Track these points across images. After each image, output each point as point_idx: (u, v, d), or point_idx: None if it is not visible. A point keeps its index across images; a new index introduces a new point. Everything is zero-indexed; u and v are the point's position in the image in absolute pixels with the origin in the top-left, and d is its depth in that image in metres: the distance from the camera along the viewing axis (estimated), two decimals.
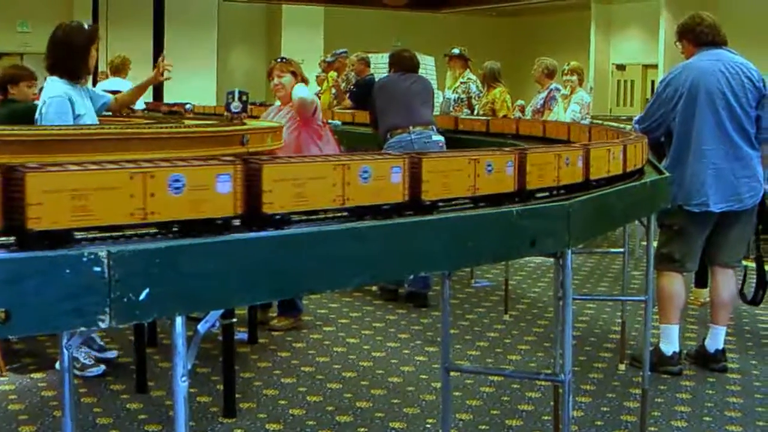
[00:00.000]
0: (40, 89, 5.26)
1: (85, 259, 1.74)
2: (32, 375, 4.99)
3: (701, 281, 6.85)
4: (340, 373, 5.18)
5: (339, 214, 2.30)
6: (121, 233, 1.94)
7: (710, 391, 4.97)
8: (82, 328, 1.85)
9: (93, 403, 4.59)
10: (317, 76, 13.87)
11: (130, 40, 14.64)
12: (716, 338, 5.34)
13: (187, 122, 5.29)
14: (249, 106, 5.75)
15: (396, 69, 7.15)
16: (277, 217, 2.11)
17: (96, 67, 5.68)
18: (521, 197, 2.82)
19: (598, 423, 4.48)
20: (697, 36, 5.25)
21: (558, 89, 8.95)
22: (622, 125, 7.60)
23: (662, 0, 19.37)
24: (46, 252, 1.77)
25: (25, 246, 1.78)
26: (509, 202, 2.76)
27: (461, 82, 9.68)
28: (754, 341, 6.04)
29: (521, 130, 6.38)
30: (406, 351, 5.66)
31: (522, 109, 10.45)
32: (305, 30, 22.47)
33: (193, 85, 18.50)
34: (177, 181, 1.93)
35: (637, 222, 5.82)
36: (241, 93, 5.04)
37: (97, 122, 4.92)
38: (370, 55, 11.07)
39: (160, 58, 5.36)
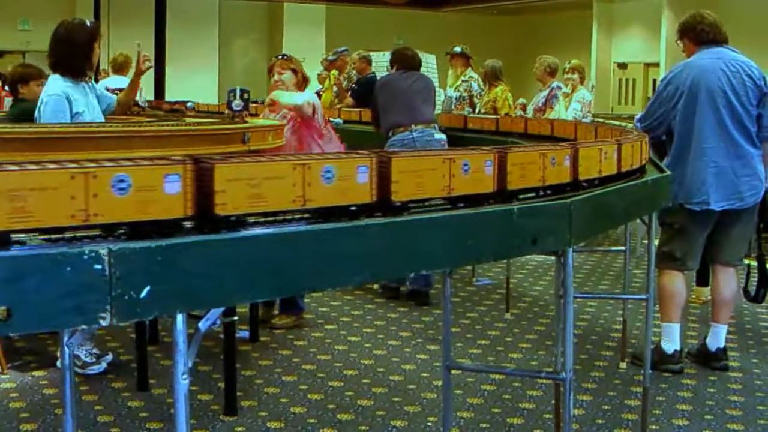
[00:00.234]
0: None
1: (85, 256, 1.74)
2: (33, 373, 4.99)
3: (703, 280, 6.85)
4: (341, 372, 5.18)
5: (300, 216, 2.23)
6: (60, 236, 1.88)
7: (711, 390, 4.98)
8: (83, 326, 1.85)
9: (94, 400, 4.60)
10: (319, 75, 13.86)
11: (131, 38, 14.61)
12: (717, 337, 5.34)
13: (188, 120, 5.30)
14: (250, 104, 5.75)
15: (398, 67, 7.14)
16: (232, 218, 2.04)
17: (97, 65, 5.69)
18: (502, 198, 2.75)
19: (600, 421, 4.48)
20: (698, 34, 5.25)
21: (559, 87, 8.95)
22: (623, 124, 7.60)
23: None
24: (47, 249, 1.77)
25: None
26: (488, 204, 2.70)
27: (463, 81, 9.68)
28: (755, 339, 6.04)
29: (530, 129, 6.36)
30: (408, 349, 5.66)
31: (523, 108, 10.45)
32: (307, 28, 22.46)
33: (195, 83, 18.52)
34: (121, 181, 1.87)
35: (638, 220, 5.82)
36: (242, 91, 5.04)
37: (102, 120, 4.93)
38: (371, 53, 11.06)
39: (138, 52, 5.37)
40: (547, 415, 4.47)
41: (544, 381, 4.84)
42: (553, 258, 3.36)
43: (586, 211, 3.04)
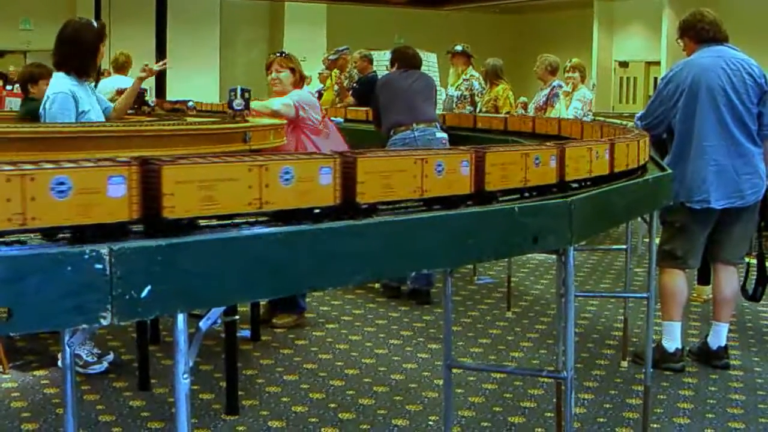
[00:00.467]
0: None
1: (86, 256, 1.74)
2: (35, 372, 4.99)
3: (704, 278, 6.85)
4: (342, 371, 5.18)
5: (258, 219, 2.17)
6: (2, 239, 1.82)
7: (712, 388, 4.97)
8: (84, 326, 1.85)
9: (95, 400, 4.60)
10: (320, 74, 13.84)
11: (132, 38, 14.65)
12: (719, 335, 5.33)
13: (189, 119, 5.30)
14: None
15: (398, 66, 7.14)
16: (184, 221, 1.98)
17: (99, 66, 5.69)
18: (480, 200, 2.68)
19: (601, 420, 4.48)
20: (698, 33, 5.25)
21: (561, 86, 8.95)
22: (624, 122, 7.59)
23: None
24: (48, 249, 1.77)
25: None
26: (465, 205, 2.63)
27: (464, 79, 9.68)
28: (756, 338, 6.04)
29: (537, 129, 6.35)
30: (409, 348, 5.66)
31: (525, 106, 10.46)
32: (308, 27, 22.47)
33: (196, 82, 18.53)
34: (61, 184, 1.80)
35: (639, 219, 5.82)
36: (243, 90, 5.04)
37: (103, 119, 4.93)
38: (372, 52, 11.05)
39: (146, 65, 5.39)
40: (549, 414, 4.47)
41: (546, 380, 4.84)
42: (554, 257, 3.37)
43: (587, 209, 3.03)
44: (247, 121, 4.97)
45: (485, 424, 4.41)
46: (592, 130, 5.21)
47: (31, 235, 1.85)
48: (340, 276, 2.25)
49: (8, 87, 12.98)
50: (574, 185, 3.16)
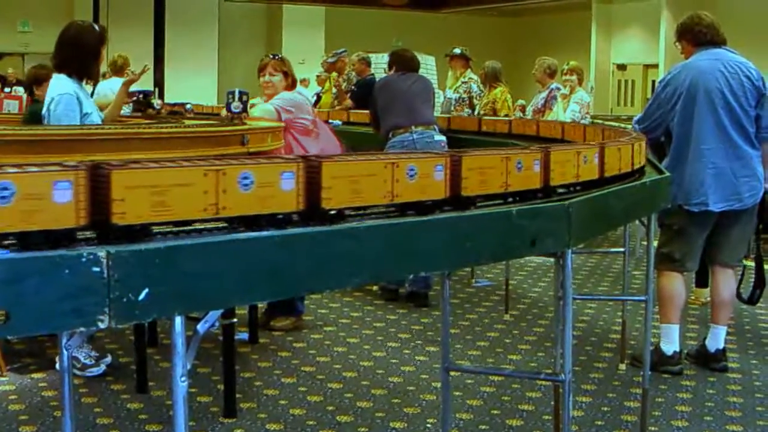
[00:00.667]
0: None
1: (84, 259, 1.74)
2: (32, 375, 4.99)
3: (702, 281, 6.85)
4: (340, 373, 5.18)
5: (215, 225, 2.12)
6: None
7: (711, 391, 4.97)
8: (82, 329, 1.84)
9: (93, 403, 4.59)
10: (318, 76, 13.85)
11: (130, 40, 14.65)
12: (717, 338, 5.34)
13: (187, 122, 5.30)
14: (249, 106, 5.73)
15: (396, 69, 7.14)
16: (136, 227, 1.92)
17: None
18: (455, 205, 2.61)
19: (599, 423, 4.48)
20: (695, 36, 5.25)
21: (559, 89, 8.95)
22: (622, 125, 7.60)
23: (663, 0, 19.38)
24: (46, 252, 1.77)
25: None
26: (440, 210, 2.57)
27: (462, 82, 9.69)
28: (754, 341, 6.04)
29: (542, 132, 6.34)
30: (407, 351, 5.66)
31: (523, 109, 10.45)
32: (306, 30, 22.50)
33: (194, 84, 18.55)
34: (5, 189, 1.75)
35: (637, 222, 5.82)
36: (241, 93, 5.04)
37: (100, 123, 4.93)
38: (370, 54, 11.07)
39: (132, 71, 5.38)
40: (547, 417, 4.47)
41: (544, 382, 4.84)
42: (552, 259, 3.37)
43: (585, 212, 3.03)
44: (244, 124, 4.97)
45: (483, 426, 4.41)
46: (594, 133, 5.20)
47: None
48: (338, 278, 2.25)
49: (6, 89, 13.00)
50: (561, 190, 3.10)
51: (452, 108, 9.60)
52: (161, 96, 12.40)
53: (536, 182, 2.93)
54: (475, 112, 9.35)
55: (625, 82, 23.92)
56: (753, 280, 5.78)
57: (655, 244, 5.03)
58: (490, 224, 2.64)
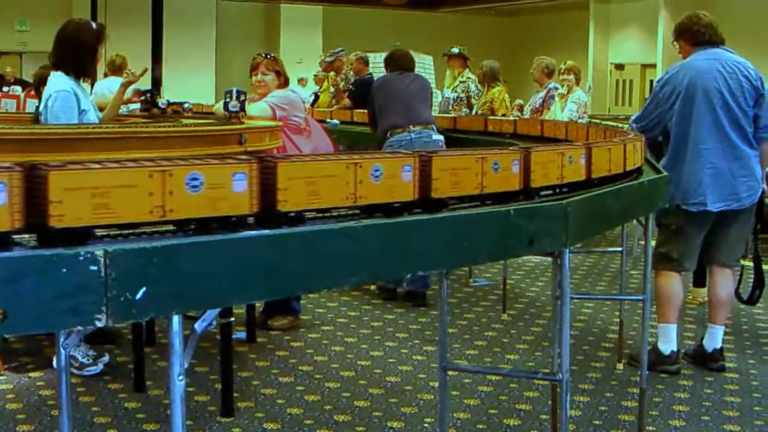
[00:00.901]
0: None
1: (81, 258, 1.74)
2: (30, 374, 4.98)
3: (699, 281, 6.85)
4: (338, 373, 5.18)
5: (161, 229, 2.05)
6: None
7: (708, 391, 4.98)
8: (79, 327, 1.84)
9: (91, 402, 4.59)
10: (315, 75, 13.83)
11: (128, 39, 14.64)
12: (714, 337, 5.34)
13: (185, 121, 5.29)
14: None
15: (391, 69, 7.15)
16: (76, 230, 1.85)
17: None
18: (425, 207, 2.53)
19: (596, 422, 4.48)
20: (694, 35, 5.25)
21: (556, 88, 8.95)
22: (620, 125, 7.60)
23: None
24: (43, 251, 1.77)
25: None
26: (408, 212, 2.49)
27: (460, 81, 9.69)
28: (752, 341, 6.04)
29: (546, 132, 6.33)
30: (404, 350, 5.66)
31: (520, 109, 10.45)
32: (304, 29, 22.51)
33: (192, 84, 18.54)
34: None
35: (635, 221, 5.81)
36: (239, 92, 5.03)
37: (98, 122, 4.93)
38: (368, 54, 11.06)
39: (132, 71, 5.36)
40: (544, 416, 4.47)
41: (541, 382, 4.84)
42: (549, 259, 3.37)
43: (583, 212, 3.03)
44: (242, 123, 4.97)
45: (480, 426, 4.41)
46: (596, 134, 5.18)
47: None
48: (335, 278, 2.25)
49: (4, 89, 12.99)
50: (545, 192, 3.03)
51: (450, 107, 9.60)
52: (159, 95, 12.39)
53: (515, 184, 2.85)
54: (473, 112, 9.34)
55: (623, 81, 23.95)
56: (752, 280, 5.78)
57: (653, 243, 5.03)
58: (487, 224, 2.63)
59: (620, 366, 5.37)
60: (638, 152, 3.92)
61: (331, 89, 11.27)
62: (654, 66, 20.48)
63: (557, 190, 3.11)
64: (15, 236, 1.83)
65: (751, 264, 5.79)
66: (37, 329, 1.79)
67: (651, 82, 21.56)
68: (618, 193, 3.49)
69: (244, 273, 2.00)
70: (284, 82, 5.99)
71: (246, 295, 2.15)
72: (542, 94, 9.12)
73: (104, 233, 1.96)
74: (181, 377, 2.03)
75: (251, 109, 5.59)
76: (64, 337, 2.77)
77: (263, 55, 6.10)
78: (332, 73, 11.37)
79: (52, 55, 4.89)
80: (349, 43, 12.63)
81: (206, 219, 2.05)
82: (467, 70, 9.79)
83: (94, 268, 1.75)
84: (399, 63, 7.14)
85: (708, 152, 5.09)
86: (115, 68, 10.61)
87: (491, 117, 8.25)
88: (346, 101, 10.30)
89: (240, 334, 5.65)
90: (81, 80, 4.86)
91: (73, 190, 1.83)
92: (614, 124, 8.03)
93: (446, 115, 8.84)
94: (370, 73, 10.42)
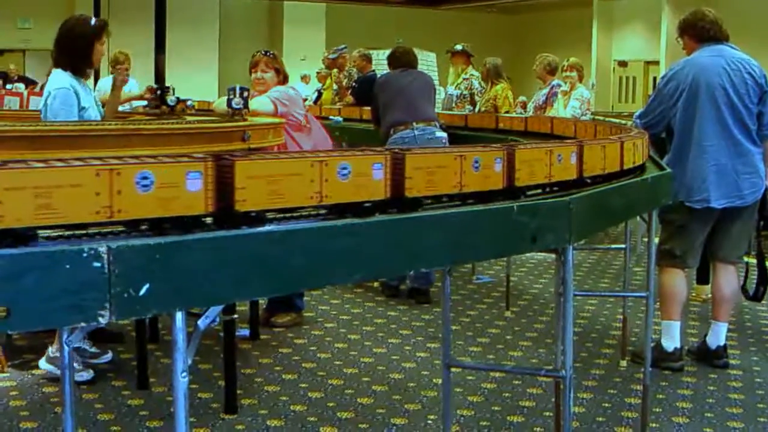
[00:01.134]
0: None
1: (85, 254, 1.74)
2: (33, 371, 4.98)
3: (703, 277, 6.85)
4: (341, 370, 5.18)
5: (108, 229, 1.97)
6: None
7: (711, 387, 4.97)
8: (83, 324, 1.84)
9: (94, 399, 4.60)
10: (318, 73, 13.82)
11: (131, 36, 14.64)
12: (718, 334, 5.33)
13: (188, 118, 5.29)
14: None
15: (395, 66, 7.15)
16: (18, 231, 1.79)
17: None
18: (398, 207, 2.45)
19: (600, 419, 4.47)
20: (698, 32, 5.24)
21: (560, 85, 8.95)
22: (623, 122, 7.58)
23: None
24: (47, 247, 1.77)
25: None
26: (380, 212, 2.41)
27: (464, 78, 9.68)
28: (755, 337, 6.04)
29: (555, 130, 6.33)
30: (408, 347, 5.66)
31: (524, 106, 10.45)
32: (307, 26, 22.50)
33: (195, 81, 18.52)
34: None
35: (638, 218, 5.82)
36: (242, 89, 5.02)
37: (99, 119, 4.93)
38: (371, 51, 11.06)
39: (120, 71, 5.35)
40: (547, 413, 4.47)
41: (544, 379, 4.84)
42: (553, 256, 3.36)
43: (586, 208, 3.03)
44: (246, 120, 4.97)
45: (484, 423, 4.41)
46: (603, 131, 5.17)
47: None
48: (338, 275, 2.25)
49: (8, 86, 13.00)
50: (533, 191, 2.97)
51: (453, 104, 9.59)
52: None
53: (498, 182, 2.78)
54: (476, 109, 9.34)
55: (626, 78, 23.92)
56: (756, 277, 5.78)
57: (657, 240, 5.02)
58: (490, 220, 2.63)
59: (623, 363, 5.36)
60: (639, 150, 3.89)
61: (335, 86, 11.27)
62: (657, 63, 20.44)
63: (546, 190, 3.04)
64: None
65: (755, 261, 5.79)
66: (40, 326, 1.79)
67: (654, 79, 21.54)
68: (621, 189, 3.49)
69: (247, 270, 2.00)
70: (284, 80, 5.99)
71: (249, 291, 2.15)
72: (545, 91, 9.12)
73: (47, 234, 1.89)
74: (184, 374, 2.03)
75: (252, 103, 5.59)
76: (67, 333, 2.77)
77: (263, 52, 6.09)
78: (335, 71, 11.37)
79: (53, 52, 4.90)
80: (352, 40, 12.63)
81: (159, 219, 1.98)
82: (470, 67, 9.79)
83: (98, 264, 1.75)
84: (402, 60, 7.15)
85: (712, 149, 5.08)
86: (118, 65, 10.61)
87: (502, 114, 8.25)
88: (349, 98, 10.30)
89: (243, 331, 5.65)
90: (82, 77, 4.86)
91: (13, 189, 1.77)
92: (617, 120, 8.00)
93: (458, 112, 8.85)
94: (373, 70, 10.41)
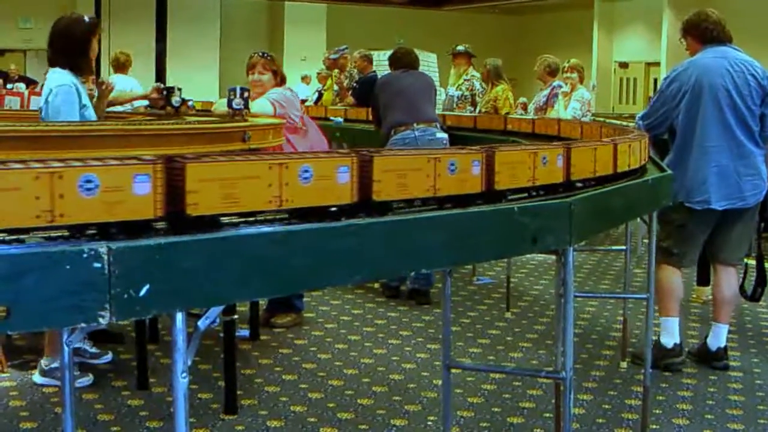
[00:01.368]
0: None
1: (85, 255, 1.74)
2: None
3: (703, 279, 6.85)
4: (341, 370, 5.18)
5: (51, 235, 1.91)
6: None
7: (712, 389, 4.97)
8: (83, 324, 1.84)
9: (94, 399, 4.59)
10: (319, 73, 13.80)
11: (132, 36, 14.67)
12: (718, 336, 5.33)
13: (188, 119, 5.29)
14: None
15: (396, 67, 7.15)
16: None
17: (98, 63, 5.66)
18: (366, 210, 2.37)
19: (600, 420, 4.47)
20: (702, 33, 5.24)
21: (560, 86, 8.95)
22: (624, 123, 7.58)
23: None
24: (47, 247, 1.77)
25: None
26: (347, 216, 2.33)
27: (465, 79, 9.69)
28: (756, 339, 6.04)
29: (562, 132, 6.32)
30: (408, 348, 5.65)
31: (524, 107, 10.45)
32: (307, 27, 22.51)
33: (196, 81, 18.52)
34: None
35: (639, 219, 5.81)
36: (242, 89, 5.03)
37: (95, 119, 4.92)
38: (372, 52, 11.05)
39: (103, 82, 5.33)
40: (548, 415, 4.47)
41: (545, 380, 4.84)
42: (553, 257, 3.36)
43: (587, 210, 3.02)
44: (246, 120, 4.97)
45: (484, 424, 4.40)
46: (608, 133, 5.15)
47: None
48: (339, 276, 2.25)
49: (8, 86, 12.99)
50: (517, 195, 2.91)
51: (454, 105, 9.60)
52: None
53: (476, 186, 2.70)
54: (477, 110, 9.34)
55: (627, 80, 23.93)
56: (755, 277, 5.77)
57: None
58: (490, 221, 2.63)
59: (624, 364, 5.36)
60: (636, 153, 3.80)
61: (335, 87, 11.26)
62: (658, 64, 20.45)
63: (532, 193, 2.98)
64: None
65: (754, 262, 5.79)
66: (40, 326, 1.79)
67: (655, 80, 21.55)
68: (622, 191, 3.48)
69: (247, 270, 2.00)
70: (281, 82, 5.99)
71: (249, 292, 2.15)
72: (546, 92, 9.12)
73: (47, 235, 1.89)
74: (184, 375, 2.02)
75: (253, 105, 5.59)
76: (67, 334, 2.77)
77: (260, 54, 6.08)
78: (336, 71, 11.36)
79: (47, 52, 4.88)
80: (353, 41, 12.62)
81: (104, 224, 1.92)
82: (471, 68, 9.79)
83: (98, 264, 1.75)
84: (403, 61, 7.15)
85: (714, 150, 5.08)
86: (119, 65, 10.62)
87: (511, 116, 8.24)
88: (350, 99, 10.29)
89: (243, 331, 5.65)
90: (81, 76, 4.85)
91: None
92: (618, 122, 8.00)
93: (462, 113, 8.84)
94: (374, 71, 10.41)
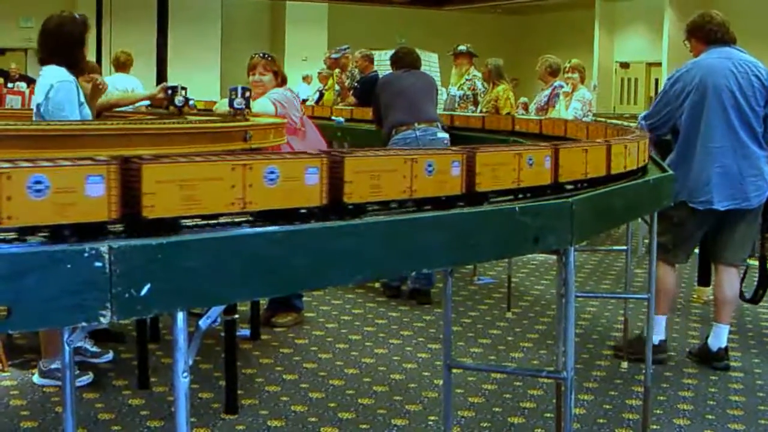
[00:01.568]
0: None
1: (86, 254, 1.74)
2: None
3: (704, 279, 6.85)
4: (342, 370, 5.18)
5: (3, 236, 1.85)
6: None
7: (713, 389, 4.97)
8: (84, 324, 1.84)
9: (95, 398, 4.59)
10: (320, 73, 13.79)
11: (133, 36, 14.65)
12: (719, 336, 5.33)
13: (190, 118, 5.29)
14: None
15: (397, 67, 7.15)
16: None
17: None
18: (336, 213, 2.30)
19: (601, 420, 4.47)
20: (706, 34, 5.24)
21: (562, 86, 8.94)
22: (625, 123, 7.57)
23: None
24: (48, 247, 1.77)
25: None
26: (316, 219, 2.26)
27: (467, 79, 9.69)
28: (756, 339, 6.03)
29: (569, 133, 6.32)
30: (409, 348, 5.65)
31: (525, 107, 10.44)
32: (309, 26, 22.50)
33: (197, 80, 18.52)
34: None
35: (640, 220, 5.81)
36: (244, 89, 5.03)
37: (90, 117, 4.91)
38: (373, 51, 11.05)
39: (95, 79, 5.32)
40: (548, 415, 4.47)
41: (546, 380, 4.84)
42: (554, 257, 3.35)
43: (588, 210, 3.02)
44: (247, 120, 4.97)
45: (485, 424, 4.40)
46: (612, 134, 5.13)
47: None
48: (340, 275, 2.24)
49: (9, 85, 12.99)
50: (501, 197, 2.84)
51: (456, 105, 9.59)
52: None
53: (455, 188, 2.63)
54: (478, 110, 9.34)
55: (628, 80, 23.91)
56: (756, 279, 5.77)
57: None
58: (492, 221, 2.63)
59: (625, 364, 5.36)
60: (632, 154, 3.75)
61: (336, 87, 11.26)
62: (659, 65, 20.43)
63: (518, 196, 2.91)
64: None
65: (755, 263, 5.79)
66: (41, 326, 1.79)
67: (656, 80, 21.54)
68: (623, 191, 3.48)
69: (248, 270, 2.00)
70: (282, 82, 5.99)
71: (250, 292, 2.15)
72: (547, 92, 9.11)
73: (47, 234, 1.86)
74: (185, 374, 2.02)
75: (254, 105, 5.59)
76: (68, 333, 2.77)
77: (260, 55, 6.08)
78: (337, 71, 11.35)
79: (39, 51, 4.86)
80: (354, 41, 12.61)
81: (57, 227, 1.86)
82: (473, 68, 9.79)
83: (99, 264, 1.75)
84: (404, 60, 7.15)
85: (717, 151, 5.08)
86: (120, 65, 10.62)
87: (519, 116, 8.23)
88: (351, 99, 10.29)
89: (244, 331, 5.65)
90: (76, 74, 4.84)
91: None
92: (619, 122, 7.99)
93: (465, 113, 8.83)
94: (375, 71, 10.40)
